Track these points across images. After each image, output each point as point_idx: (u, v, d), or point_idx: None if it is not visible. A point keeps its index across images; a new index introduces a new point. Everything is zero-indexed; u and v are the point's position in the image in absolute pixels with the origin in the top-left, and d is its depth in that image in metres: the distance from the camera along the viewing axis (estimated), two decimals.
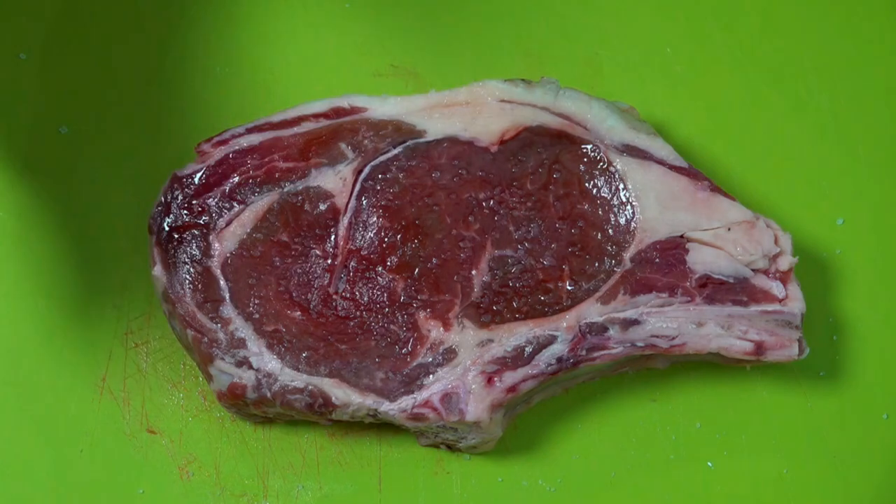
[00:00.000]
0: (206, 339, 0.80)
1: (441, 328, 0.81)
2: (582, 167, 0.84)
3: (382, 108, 0.85)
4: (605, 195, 0.83)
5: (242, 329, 0.81)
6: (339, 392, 0.79)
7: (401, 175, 0.83)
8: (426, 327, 0.81)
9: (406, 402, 0.79)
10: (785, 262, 0.82)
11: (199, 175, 0.83)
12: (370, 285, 0.82)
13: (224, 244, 0.82)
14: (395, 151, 0.84)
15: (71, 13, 0.93)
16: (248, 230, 0.82)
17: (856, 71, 0.95)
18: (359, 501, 0.84)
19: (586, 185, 0.84)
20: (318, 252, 0.82)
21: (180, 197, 0.83)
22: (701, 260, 0.82)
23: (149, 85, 0.92)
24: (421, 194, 0.83)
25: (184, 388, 0.86)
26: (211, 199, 0.83)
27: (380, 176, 0.83)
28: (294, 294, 0.82)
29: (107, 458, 0.84)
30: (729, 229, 0.82)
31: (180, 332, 0.81)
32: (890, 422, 0.87)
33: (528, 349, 0.80)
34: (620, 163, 0.83)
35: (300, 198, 0.83)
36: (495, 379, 0.79)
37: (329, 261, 0.82)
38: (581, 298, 0.81)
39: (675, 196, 0.83)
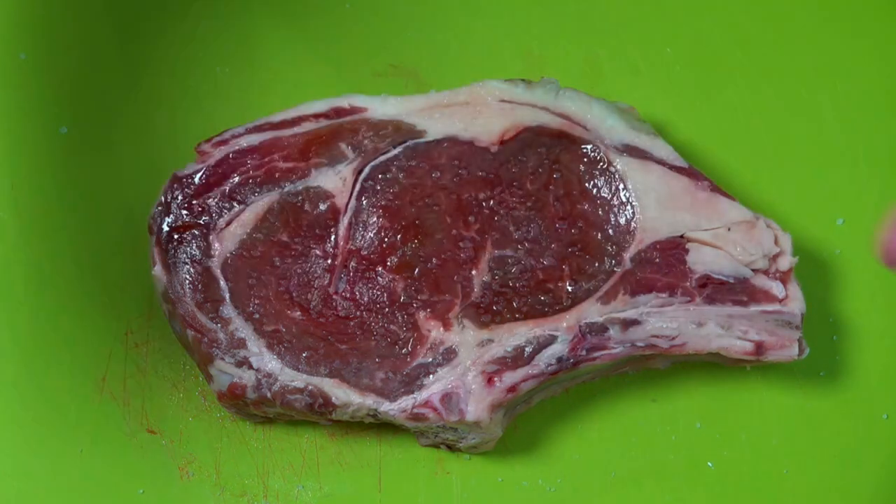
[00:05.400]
0: (206, 339, 0.80)
1: (441, 328, 0.81)
2: (582, 167, 0.84)
3: (382, 108, 0.85)
4: (605, 195, 0.83)
5: (242, 329, 0.81)
6: (339, 392, 0.79)
7: (401, 175, 0.83)
8: (426, 327, 0.81)
9: (406, 402, 0.79)
10: (785, 262, 0.82)
11: (199, 175, 0.83)
12: (370, 285, 0.82)
13: (224, 244, 0.82)
14: (395, 151, 0.84)
15: (71, 13, 0.93)
16: (248, 230, 0.82)
17: (856, 71, 0.95)
18: (359, 501, 0.84)
19: (586, 185, 0.84)
20: (318, 252, 0.82)
21: (180, 197, 0.83)
22: (701, 260, 0.82)
23: (149, 85, 0.92)
24: (421, 194, 0.83)
25: (184, 388, 0.86)
26: (211, 199, 0.83)
27: (380, 176, 0.83)
28: (294, 294, 0.82)
29: (107, 458, 0.84)
30: (729, 229, 0.82)
31: (180, 332, 0.81)
32: (890, 422, 0.87)
33: (528, 349, 0.80)
34: (620, 163, 0.83)
35: (300, 198, 0.83)
36: (495, 379, 0.79)
37: (329, 261, 0.82)
38: (581, 298, 0.81)
39: (675, 196, 0.83)
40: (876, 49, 0.96)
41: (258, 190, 0.83)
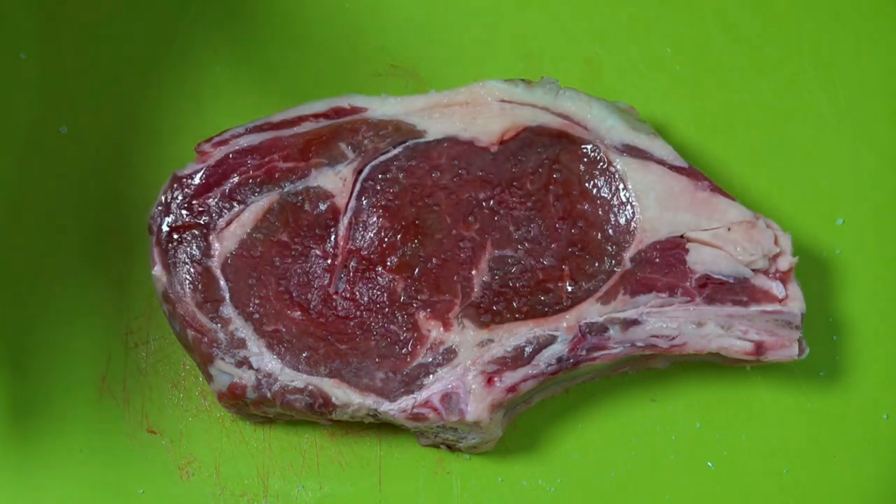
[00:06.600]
0: (206, 339, 0.80)
1: (441, 328, 0.81)
2: (582, 167, 0.84)
3: (382, 108, 0.85)
4: (605, 195, 0.83)
5: (242, 329, 0.81)
6: (339, 392, 0.79)
7: (401, 175, 0.83)
8: (426, 327, 0.81)
9: (406, 402, 0.79)
10: (785, 262, 0.82)
11: (199, 175, 0.83)
12: (370, 285, 0.82)
13: (224, 244, 0.82)
14: (395, 151, 0.84)
15: (71, 13, 0.93)
16: (248, 230, 0.82)
17: (856, 70, 0.95)
18: (359, 501, 0.84)
19: (586, 185, 0.84)
20: (318, 252, 0.82)
21: (180, 197, 0.83)
22: (701, 260, 0.82)
23: (149, 85, 0.92)
24: (421, 194, 0.83)
25: (184, 388, 0.86)
26: (211, 199, 0.83)
27: (380, 176, 0.83)
28: (294, 294, 0.82)
29: (107, 458, 0.84)
30: (729, 229, 0.82)
31: (180, 332, 0.81)
32: (890, 422, 0.87)
33: (528, 349, 0.80)
34: (620, 163, 0.83)
35: (300, 198, 0.83)
36: (495, 379, 0.79)
37: (329, 261, 0.82)
38: (581, 298, 0.81)
39: (675, 196, 0.83)
40: (876, 49, 0.96)
41: (258, 190, 0.83)
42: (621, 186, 0.83)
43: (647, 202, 0.83)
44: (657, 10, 0.96)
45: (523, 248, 0.83)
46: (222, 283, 0.81)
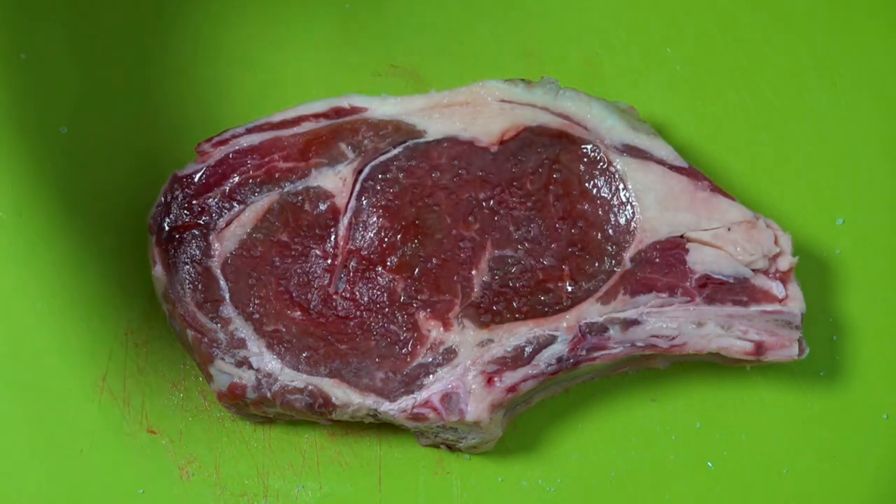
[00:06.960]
0: (206, 339, 0.80)
1: (441, 328, 0.81)
2: (582, 167, 0.84)
3: (382, 108, 0.85)
4: (605, 195, 0.83)
5: (242, 329, 0.81)
6: (339, 392, 0.79)
7: (401, 175, 0.83)
8: (426, 327, 0.81)
9: (406, 402, 0.79)
10: (785, 262, 0.82)
11: (199, 175, 0.83)
12: (370, 285, 0.82)
13: (224, 244, 0.82)
14: (395, 151, 0.84)
15: (71, 13, 0.93)
16: (248, 230, 0.82)
17: (856, 71, 0.95)
18: (359, 501, 0.84)
19: (586, 185, 0.84)
20: (318, 252, 0.82)
21: (180, 197, 0.83)
22: (701, 260, 0.82)
23: (149, 85, 0.92)
24: (421, 194, 0.83)
25: (184, 388, 0.86)
26: (211, 199, 0.83)
27: (380, 176, 0.83)
28: (294, 294, 0.82)
29: (107, 458, 0.84)
30: (729, 229, 0.82)
31: (180, 332, 0.81)
32: (890, 422, 0.87)
33: (528, 349, 0.80)
34: (620, 163, 0.83)
35: (300, 198, 0.83)
36: (495, 379, 0.79)
37: (329, 261, 0.82)
38: (581, 298, 0.81)
39: (675, 196, 0.83)
40: (876, 49, 0.96)
41: (258, 190, 0.83)
42: (621, 186, 0.83)
43: (647, 202, 0.83)
44: (657, 10, 0.96)
45: (523, 248, 0.83)
46: (222, 283, 0.81)
